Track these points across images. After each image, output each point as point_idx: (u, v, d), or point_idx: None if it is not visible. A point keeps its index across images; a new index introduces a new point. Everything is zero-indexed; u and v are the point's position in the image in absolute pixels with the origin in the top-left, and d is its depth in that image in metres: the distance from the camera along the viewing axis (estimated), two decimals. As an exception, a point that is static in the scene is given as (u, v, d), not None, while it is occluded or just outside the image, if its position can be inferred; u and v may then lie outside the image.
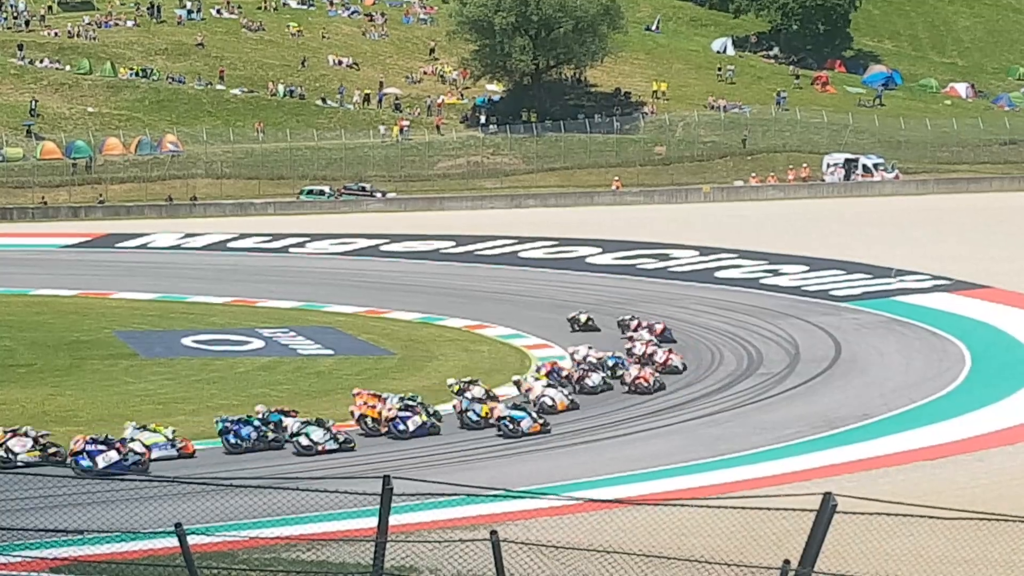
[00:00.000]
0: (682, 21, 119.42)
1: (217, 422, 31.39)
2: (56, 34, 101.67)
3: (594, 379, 37.20)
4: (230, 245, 67.88)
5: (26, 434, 29.54)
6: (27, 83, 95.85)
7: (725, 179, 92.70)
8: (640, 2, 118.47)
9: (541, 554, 15.69)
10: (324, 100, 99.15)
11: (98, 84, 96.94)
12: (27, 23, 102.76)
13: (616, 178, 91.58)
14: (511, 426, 32.32)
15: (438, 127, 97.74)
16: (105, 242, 69.96)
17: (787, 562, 13.67)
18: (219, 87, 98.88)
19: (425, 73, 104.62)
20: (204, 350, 43.95)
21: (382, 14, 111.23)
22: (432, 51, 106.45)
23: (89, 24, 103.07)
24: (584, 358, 38.90)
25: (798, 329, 46.23)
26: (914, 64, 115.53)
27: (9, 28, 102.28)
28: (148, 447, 29.52)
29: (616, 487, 27.52)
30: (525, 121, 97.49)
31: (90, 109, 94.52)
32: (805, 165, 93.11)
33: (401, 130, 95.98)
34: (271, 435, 31.22)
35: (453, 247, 65.13)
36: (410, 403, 32.90)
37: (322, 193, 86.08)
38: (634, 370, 37.48)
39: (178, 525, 14.37)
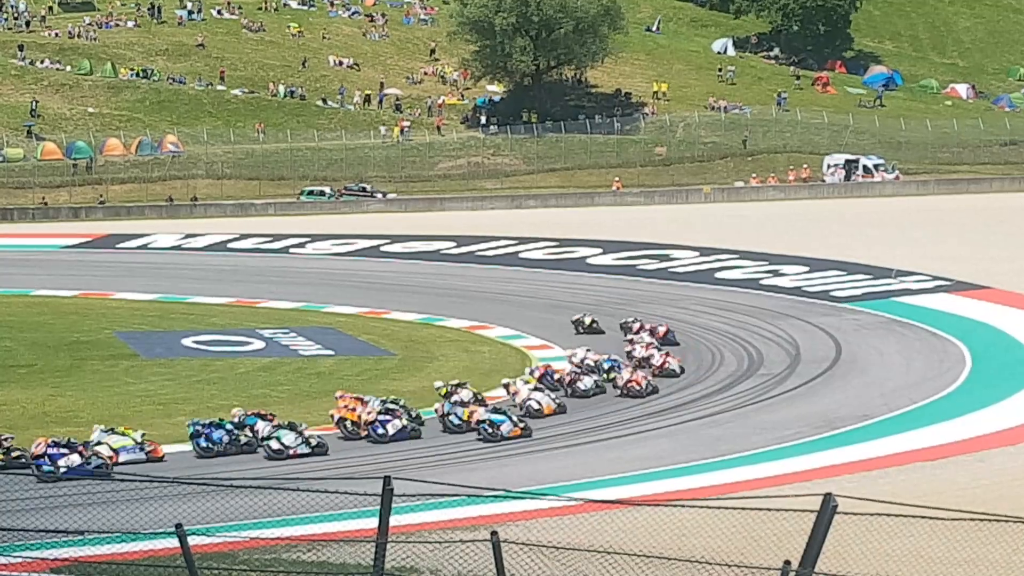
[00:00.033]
0: (682, 22, 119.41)
1: (188, 425, 31.12)
2: (56, 35, 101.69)
3: (586, 382, 36.93)
4: (231, 246, 67.89)
5: None
6: (28, 84, 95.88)
7: (725, 180, 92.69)
8: (640, 3, 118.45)
9: (541, 554, 15.69)
10: (325, 101, 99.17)
11: (99, 85, 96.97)
12: (28, 24, 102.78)
13: (617, 179, 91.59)
14: (490, 430, 31.99)
15: (439, 128, 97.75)
16: (105, 243, 69.98)
17: (787, 563, 13.66)
18: (220, 88, 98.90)
19: (426, 74, 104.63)
20: (204, 351, 43.95)
21: (383, 15, 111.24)
22: (433, 52, 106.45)
23: (90, 25, 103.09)
24: (582, 361, 38.85)
25: (798, 330, 46.24)
26: (915, 65, 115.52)
27: (10, 29, 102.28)
28: (115, 450, 29.32)
29: (616, 487, 27.54)
30: (526, 122, 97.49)
31: (91, 110, 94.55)
32: (806, 166, 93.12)
33: (402, 131, 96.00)
34: (244, 439, 30.94)
35: (454, 248, 65.13)
36: (391, 406, 32.60)
37: (323, 194, 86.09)
38: (626, 373, 37.24)
39: (178, 525, 14.37)
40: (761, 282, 55.27)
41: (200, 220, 78.56)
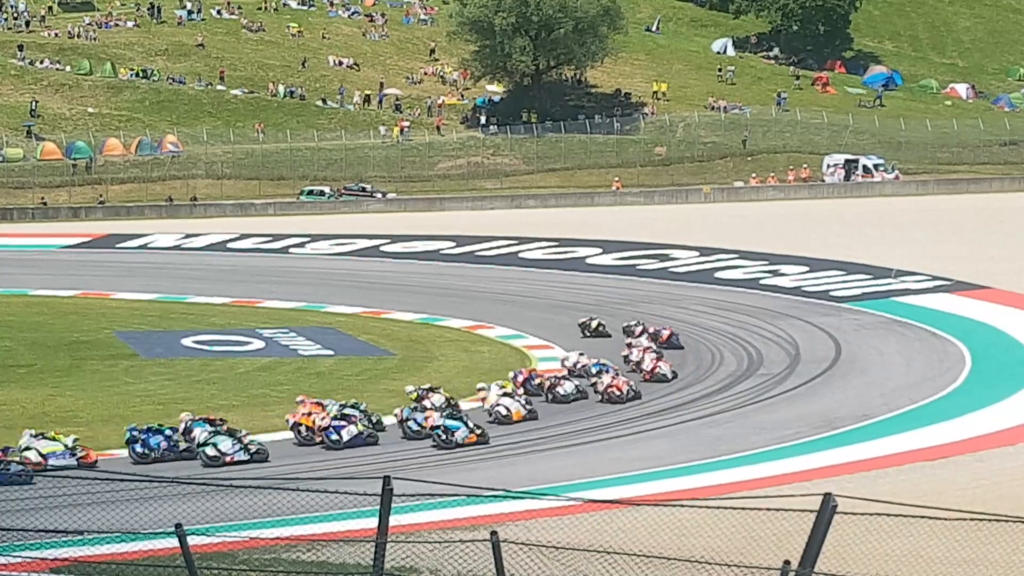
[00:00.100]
0: (682, 22, 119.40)
1: (126, 431, 30.50)
2: (56, 35, 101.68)
3: (566, 388, 36.31)
4: (230, 245, 67.88)
5: None
6: (27, 84, 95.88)
7: (725, 180, 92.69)
8: (640, 3, 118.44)
9: (541, 554, 15.69)
10: (324, 101, 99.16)
11: (98, 85, 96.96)
12: (27, 24, 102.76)
13: (616, 179, 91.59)
14: (444, 436, 31.39)
15: (438, 128, 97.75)
16: (105, 242, 69.98)
17: (787, 563, 13.66)
18: (219, 88, 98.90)
19: (425, 74, 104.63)
20: (204, 351, 43.96)
21: (382, 15, 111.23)
22: (432, 52, 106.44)
23: (89, 25, 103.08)
24: (575, 364, 38.68)
25: (798, 330, 46.23)
26: (914, 65, 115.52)
27: (9, 29, 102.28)
28: (44, 456, 28.72)
29: (616, 487, 27.53)
30: (525, 122, 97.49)
31: (90, 110, 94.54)
32: (805, 166, 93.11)
33: (401, 131, 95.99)
34: (183, 445, 30.35)
35: (453, 248, 65.13)
36: (349, 411, 32.06)
37: (322, 194, 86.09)
38: (607, 378, 36.54)
39: (178, 525, 14.37)
40: (761, 282, 55.26)
41: (200, 220, 78.56)
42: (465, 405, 34.70)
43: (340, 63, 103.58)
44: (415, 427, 32.16)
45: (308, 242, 67.77)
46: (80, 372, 40.53)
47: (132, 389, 38.17)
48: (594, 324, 45.73)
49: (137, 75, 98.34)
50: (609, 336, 44.64)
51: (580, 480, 27.98)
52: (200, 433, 30.42)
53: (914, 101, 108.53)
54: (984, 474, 29.01)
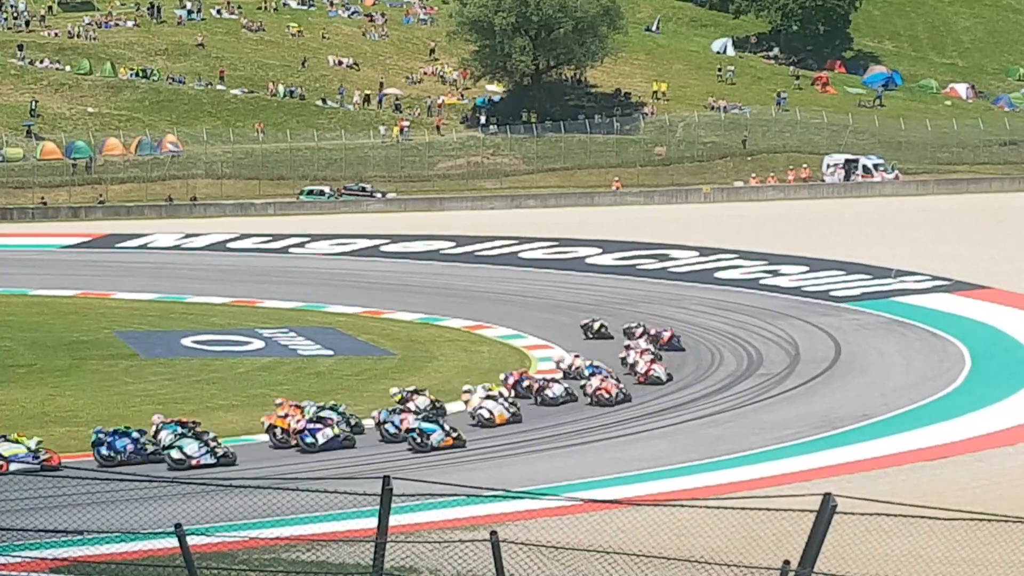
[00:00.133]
0: (682, 22, 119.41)
1: (92, 433, 30.01)
2: (56, 34, 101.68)
3: (555, 390, 35.99)
4: (230, 245, 67.89)
5: None
6: (27, 83, 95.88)
7: (725, 180, 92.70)
8: (640, 3, 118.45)
9: (541, 554, 15.69)
10: (324, 100, 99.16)
11: (98, 84, 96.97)
12: (27, 23, 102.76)
13: (616, 179, 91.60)
14: (419, 439, 31.06)
15: (438, 127, 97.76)
16: (105, 242, 69.99)
17: (787, 562, 13.67)
18: (219, 87, 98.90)
19: (425, 73, 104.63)
20: (204, 350, 43.96)
21: (382, 14, 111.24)
22: (432, 51, 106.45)
23: (89, 24, 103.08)
24: (570, 366, 38.54)
25: (798, 329, 46.24)
26: (914, 65, 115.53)
27: (9, 28, 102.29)
28: (7, 459, 28.27)
29: (616, 487, 27.52)
30: (525, 122, 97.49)
31: (90, 109, 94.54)
32: (805, 166, 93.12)
33: (401, 130, 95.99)
34: (150, 447, 29.91)
35: (453, 247, 65.14)
36: (326, 414, 31.67)
37: (322, 193, 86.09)
38: (596, 381, 36.18)
39: (178, 525, 14.38)
40: (761, 282, 55.27)
41: (200, 220, 78.57)
42: (457, 407, 34.61)
43: (340, 63, 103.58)
44: (392, 430, 31.78)
45: (308, 242, 67.78)
46: (80, 372, 40.53)
47: (132, 389, 38.17)
48: (596, 326, 45.44)
49: (137, 75, 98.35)
50: (611, 338, 44.41)
51: (580, 480, 27.97)
52: (166, 436, 29.98)
53: (914, 101, 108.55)
54: (984, 474, 29.00)
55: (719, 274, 57.12)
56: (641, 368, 38.64)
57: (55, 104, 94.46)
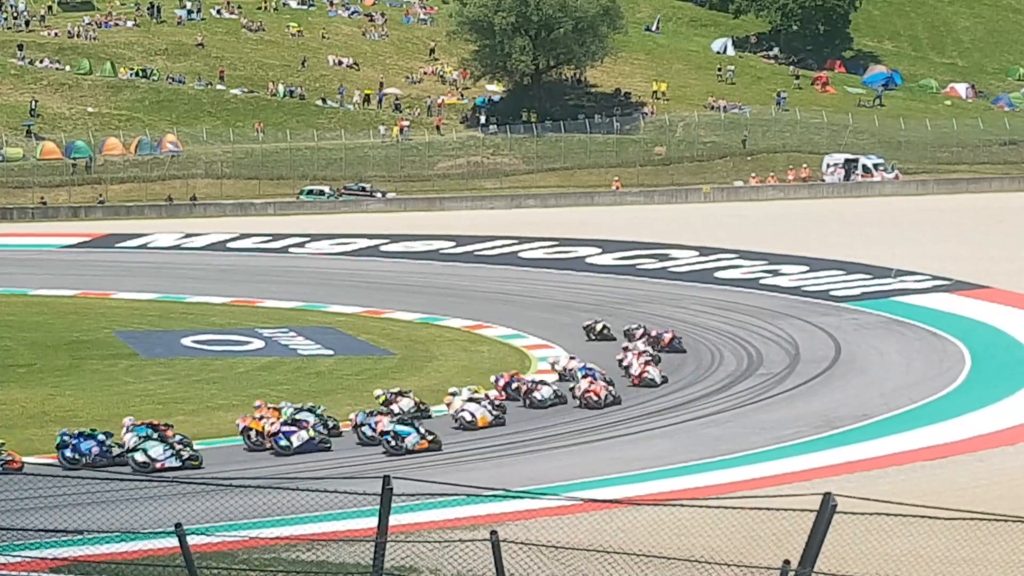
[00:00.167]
0: (682, 21, 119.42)
1: (58, 435, 29.74)
2: (56, 34, 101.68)
3: (544, 392, 35.66)
4: (230, 245, 67.90)
5: None
6: (27, 83, 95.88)
7: (725, 179, 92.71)
8: (640, 2, 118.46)
9: (541, 554, 15.69)
10: (324, 100, 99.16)
11: (98, 84, 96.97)
12: (27, 23, 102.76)
13: (616, 178, 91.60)
14: (394, 442, 30.61)
15: (438, 127, 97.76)
16: (105, 242, 70.00)
17: (787, 562, 13.67)
18: (219, 87, 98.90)
19: (425, 73, 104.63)
20: (204, 350, 43.95)
21: (382, 14, 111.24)
22: (432, 51, 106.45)
23: (89, 24, 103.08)
24: (565, 368, 38.40)
25: (798, 329, 46.23)
26: (914, 64, 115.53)
27: (9, 28, 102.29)
28: None
29: (616, 487, 27.51)
30: (525, 121, 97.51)
31: (90, 109, 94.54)
32: (805, 165, 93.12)
33: (401, 130, 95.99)
34: (116, 450, 29.54)
35: (453, 247, 65.15)
36: (302, 416, 31.28)
37: (322, 193, 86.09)
38: (584, 383, 35.86)
39: (178, 525, 14.38)
40: (761, 282, 55.27)
41: (199, 220, 78.58)
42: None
43: (340, 63, 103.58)
44: (370, 432, 31.40)
45: (308, 242, 67.79)
46: (80, 372, 40.53)
47: (132, 389, 38.17)
48: (599, 327, 45.01)
49: (137, 75, 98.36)
50: (614, 339, 44.08)
51: (580, 480, 27.96)
52: (130, 438, 29.64)
53: (914, 101, 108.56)
54: (984, 474, 29.00)
55: (719, 274, 57.12)
56: (635, 370, 38.33)
57: (55, 104, 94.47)
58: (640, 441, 32.22)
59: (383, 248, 66.00)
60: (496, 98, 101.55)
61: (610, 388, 36.06)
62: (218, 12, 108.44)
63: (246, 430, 31.17)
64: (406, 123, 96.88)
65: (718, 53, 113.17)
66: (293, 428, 30.89)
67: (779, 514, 14.98)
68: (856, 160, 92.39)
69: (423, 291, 54.92)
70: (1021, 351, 42.71)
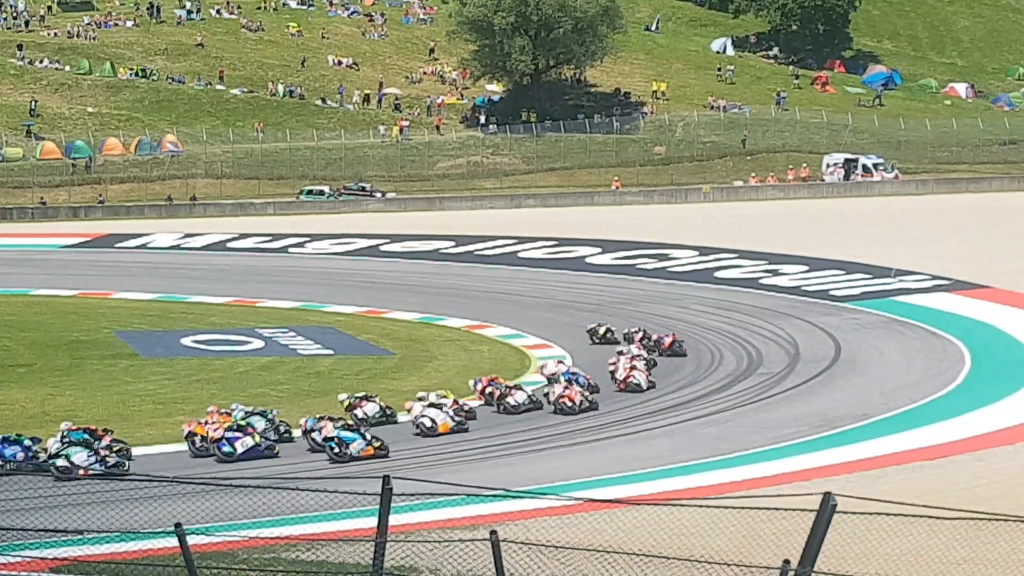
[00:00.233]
0: (681, 21, 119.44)
1: None
2: (56, 34, 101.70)
3: (518, 398, 35.05)
4: (230, 245, 67.91)
5: None
6: (27, 83, 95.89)
7: (725, 179, 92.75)
8: (640, 2, 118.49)
9: (541, 554, 15.69)
10: (324, 100, 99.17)
11: (98, 84, 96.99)
12: (27, 23, 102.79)
13: (616, 178, 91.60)
14: (338, 449, 29.56)
15: (438, 127, 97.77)
16: (105, 242, 70.00)
17: (787, 562, 13.66)
18: (219, 87, 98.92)
19: (425, 73, 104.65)
20: (204, 350, 43.94)
21: (382, 14, 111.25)
22: (432, 51, 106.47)
23: (89, 24, 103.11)
24: (553, 373, 38.15)
25: (798, 329, 46.22)
26: (914, 64, 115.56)
27: (9, 28, 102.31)
28: None
29: (616, 487, 27.48)
30: (525, 121, 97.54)
31: (90, 109, 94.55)
32: (805, 165, 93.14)
33: (401, 130, 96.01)
34: (42, 455, 28.27)
35: (453, 247, 65.15)
36: (251, 420, 30.49)
37: (322, 193, 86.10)
38: (558, 388, 35.23)
39: (178, 525, 14.38)
40: (760, 281, 55.26)
41: (199, 219, 78.59)
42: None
43: (339, 63, 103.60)
44: (320, 439, 30.39)
45: (308, 242, 67.80)
46: (80, 372, 40.51)
47: (132, 389, 38.15)
48: (602, 331, 44.50)
49: (136, 75, 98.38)
50: (617, 342, 43.91)
51: (580, 480, 27.94)
52: (52, 444, 28.84)
53: (913, 100, 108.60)
54: (984, 474, 28.97)
55: (719, 274, 57.12)
56: (620, 375, 37.66)
57: (55, 104, 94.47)
58: (640, 441, 32.19)
59: (383, 248, 66.01)
60: (496, 98, 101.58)
61: (586, 394, 35.43)
62: (218, 12, 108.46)
63: (191, 435, 30.16)
64: (406, 123, 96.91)
65: (718, 53, 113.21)
66: (238, 434, 29.90)
67: (779, 514, 14.98)
68: (856, 160, 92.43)
69: (423, 291, 54.92)
70: (1021, 351, 42.69)
